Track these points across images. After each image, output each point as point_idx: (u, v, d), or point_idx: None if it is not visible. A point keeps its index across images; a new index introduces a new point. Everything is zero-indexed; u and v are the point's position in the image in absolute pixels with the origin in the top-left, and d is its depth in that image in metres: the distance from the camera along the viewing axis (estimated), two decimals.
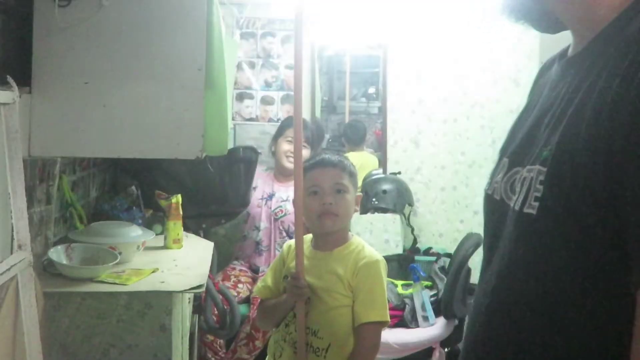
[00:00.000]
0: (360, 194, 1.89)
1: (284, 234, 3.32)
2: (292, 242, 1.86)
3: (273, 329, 1.84)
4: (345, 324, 1.70)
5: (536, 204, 0.72)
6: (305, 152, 3.30)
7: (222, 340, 3.04)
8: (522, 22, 0.82)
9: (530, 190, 0.74)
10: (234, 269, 3.35)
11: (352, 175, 1.82)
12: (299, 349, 1.69)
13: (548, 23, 0.83)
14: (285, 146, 3.38)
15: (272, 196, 3.39)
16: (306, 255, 1.72)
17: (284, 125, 3.46)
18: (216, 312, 2.82)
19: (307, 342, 1.70)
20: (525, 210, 0.74)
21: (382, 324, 1.71)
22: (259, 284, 1.88)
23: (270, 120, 3.69)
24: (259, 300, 2.04)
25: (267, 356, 1.86)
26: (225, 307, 2.79)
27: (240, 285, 3.20)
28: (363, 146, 3.99)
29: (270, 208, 3.36)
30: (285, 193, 3.36)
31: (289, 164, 3.34)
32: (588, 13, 0.76)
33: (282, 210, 3.34)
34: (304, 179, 1.74)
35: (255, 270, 3.34)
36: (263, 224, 3.36)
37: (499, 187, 0.83)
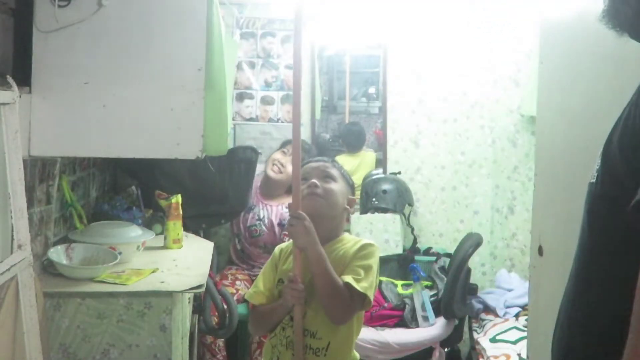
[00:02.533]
0: (354, 197, 1.89)
1: (262, 250, 3.31)
2: (284, 245, 1.88)
3: (267, 333, 1.83)
4: None
5: (596, 174, 0.87)
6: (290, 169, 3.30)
7: (221, 343, 3.03)
8: (618, 29, 0.88)
9: (596, 162, 0.88)
10: (230, 268, 3.36)
11: (343, 172, 1.87)
12: (297, 351, 1.69)
13: None
14: (276, 155, 3.37)
15: (251, 210, 3.36)
16: (295, 256, 1.72)
17: (287, 141, 3.43)
18: (216, 311, 2.82)
19: (306, 345, 1.70)
20: (591, 180, 0.89)
21: (360, 297, 1.66)
22: (251, 289, 1.86)
23: (270, 120, 3.69)
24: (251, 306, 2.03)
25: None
26: (224, 307, 2.79)
27: (238, 283, 3.20)
28: (362, 148, 3.99)
29: (247, 221, 3.34)
30: (262, 212, 3.33)
31: (271, 172, 3.32)
32: None
33: (256, 230, 3.31)
34: None
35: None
36: (242, 238, 3.35)
37: None
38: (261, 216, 3.33)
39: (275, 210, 3.32)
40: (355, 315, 1.72)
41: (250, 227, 3.32)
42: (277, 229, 3.28)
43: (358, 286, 1.64)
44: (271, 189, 3.37)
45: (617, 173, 0.80)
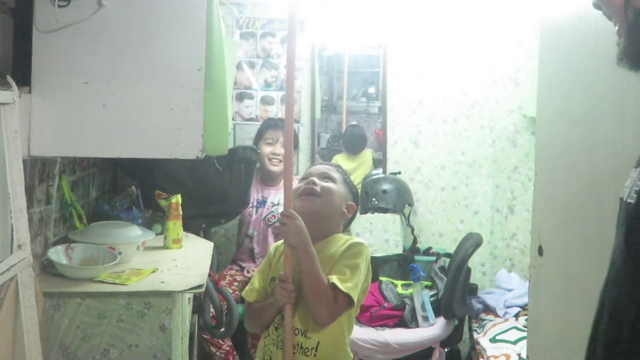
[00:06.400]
0: (353, 204, 1.88)
1: (279, 238, 3.30)
2: (279, 243, 1.88)
3: (261, 331, 1.85)
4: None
5: (635, 195, 0.82)
6: None
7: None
8: (636, 69, 0.90)
9: (635, 184, 0.83)
10: (231, 269, 3.37)
11: (346, 178, 1.88)
12: (286, 350, 1.69)
13: None
14: (267, 149, 3.37)
15: (264, 202, 3.37)
16: (286, 256, 1.73)
17: (263, 128, 3.46)
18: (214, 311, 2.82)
19: (297, 344, 1.71)
20: (628, 200, 0.83)
21: (345, 297, 1.66)
22: (247, 287, 1.89)
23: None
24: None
25: None
26: (224, 307, 2.79)
27: (235, 284, 3.21)
28: (362, 151, 3.98)
29: (262, 215, 3.35)
30: (276, 197, 3.35)
31: (273, 167, 3.34)
32: None
33: (274, 216, 3.32)
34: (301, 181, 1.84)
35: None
36: (254, 232, 3.36)
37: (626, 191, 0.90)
38: (275, 202, 3.35)
39: None
40: (339, 316, 1.70)
41: (266, 216, 3.33)
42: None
43: (342, 286, 1.64)
44: (275, 178, 3.39)
45: None
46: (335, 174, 1.85)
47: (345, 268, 1.69)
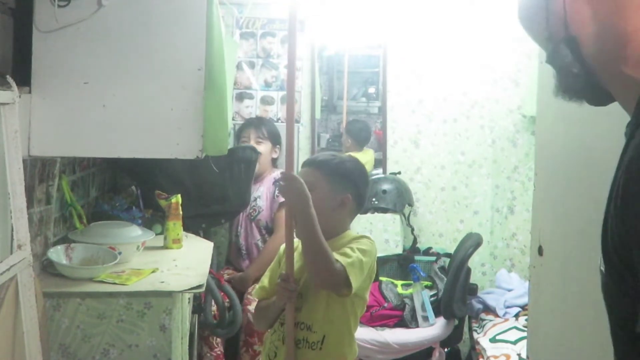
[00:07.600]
0: (347, 195, 1.82)
1: (263, 231, 3.32)
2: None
3: (268, 328, 1.86)
4: (339, 315, 1.73)
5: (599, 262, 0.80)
6: (264, 147, 3.33)
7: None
8: (575, 99, 0.90)
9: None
10: (227, 268, 3.38)
11: (327, 170, 1.81)
12: (288, 346, 1.71)
13: (600, 98, 0.89)
14: None
15: None
16: (288, 255, 1.74)
17: (240, 129, 3.49)
18: (216, 309, 2.82)
19: (302, 338, 1.73)
20: (601, 267, 0.80)
21: (341, 268, 1.65)
22: (257, 285, 1.91)
23: (269, 120, 3.68)
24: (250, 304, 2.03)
25: (261, 356, 1.87)
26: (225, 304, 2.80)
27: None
28: (369, 141, 3.98)
29: (246, 211, 3.36)
30: (256, 193, 3.36)
31: None
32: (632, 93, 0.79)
33: (255, 210, 3.33)
34: None
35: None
36: (241, 229, 3.38)
37: None
38: (256, 195, 3.35)
39: (267, 181, 3.36)
40: (339, 284, 1.67)
41: (248, 212, 3.35)
42: (272, 197, 3.31)
43: (341, 259, 1.65)
44: (255, 175, 3.39)
45: (618, 267, 0.74)
46: (314, 175, 1.78)
47: (347, 249, 1.71)
